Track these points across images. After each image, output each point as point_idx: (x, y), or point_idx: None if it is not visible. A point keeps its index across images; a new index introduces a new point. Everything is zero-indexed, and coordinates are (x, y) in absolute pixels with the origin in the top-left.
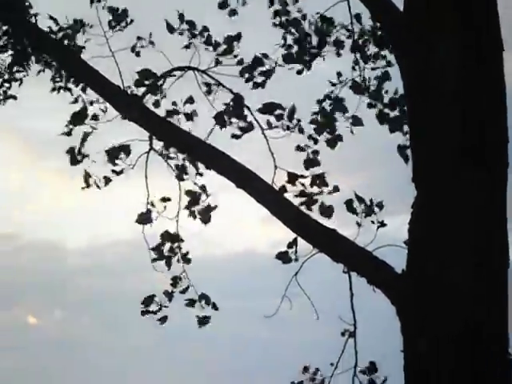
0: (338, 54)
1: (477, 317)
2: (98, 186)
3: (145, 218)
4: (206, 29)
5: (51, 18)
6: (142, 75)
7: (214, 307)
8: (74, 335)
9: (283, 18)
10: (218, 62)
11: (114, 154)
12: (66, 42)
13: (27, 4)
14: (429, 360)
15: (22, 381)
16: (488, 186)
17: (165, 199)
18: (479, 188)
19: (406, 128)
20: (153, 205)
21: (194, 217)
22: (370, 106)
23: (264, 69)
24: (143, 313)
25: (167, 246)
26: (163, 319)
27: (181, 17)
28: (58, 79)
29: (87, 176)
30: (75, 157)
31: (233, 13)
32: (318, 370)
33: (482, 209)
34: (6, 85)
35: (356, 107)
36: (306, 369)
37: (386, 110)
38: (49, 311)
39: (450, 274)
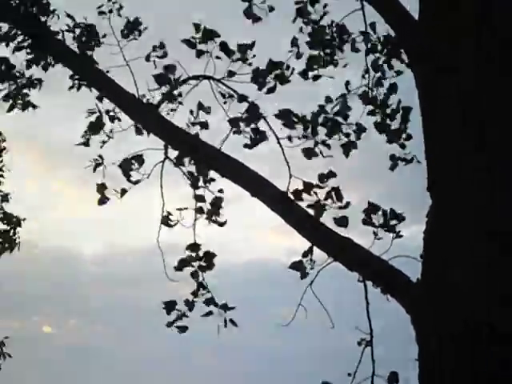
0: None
1: (477, 317)
2: (118, 197)
3: (168, 221)
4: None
5: (68, 16)
6: (158, 79)
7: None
8: (88, 344)
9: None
10: (231, 73)
11: (127, 166)
12: (81, 44)
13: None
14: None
15: None
16: (488, 186)
17: (181, 209)
18: (479, 188)
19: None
20: (169, 214)
21: (210, 220)
22: (370, 113)
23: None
24: (169, 324)
25: (189, 256)
26: (183, 328)
27: (197, 27)
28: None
29: (102, 191)
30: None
31: (256, 19)
32: None
33: (481, 209)
34: (25, 90)
35: (360, 115)
36: None
37: (388, 121)
38: (64, 319)
39: (450, 274)
